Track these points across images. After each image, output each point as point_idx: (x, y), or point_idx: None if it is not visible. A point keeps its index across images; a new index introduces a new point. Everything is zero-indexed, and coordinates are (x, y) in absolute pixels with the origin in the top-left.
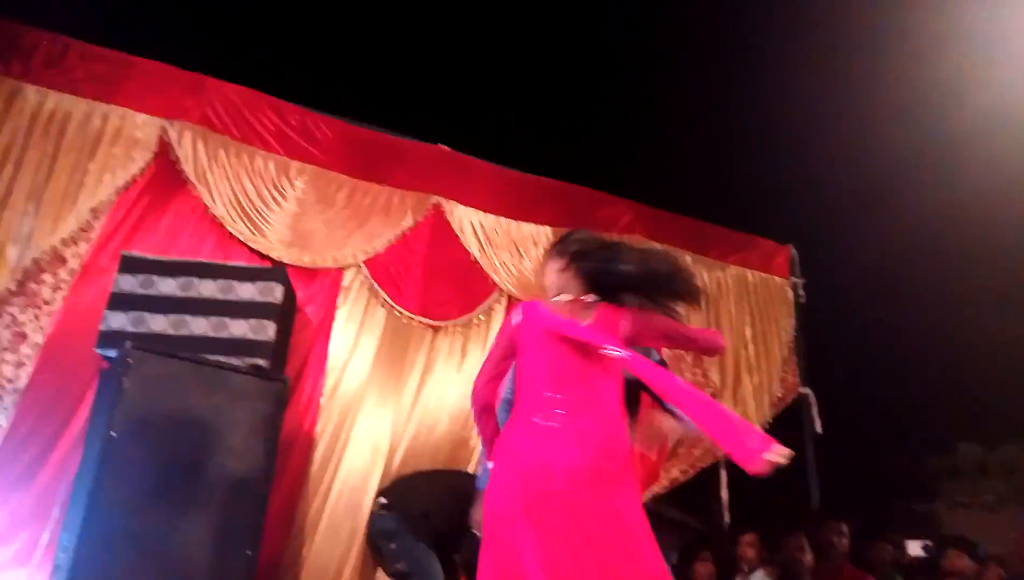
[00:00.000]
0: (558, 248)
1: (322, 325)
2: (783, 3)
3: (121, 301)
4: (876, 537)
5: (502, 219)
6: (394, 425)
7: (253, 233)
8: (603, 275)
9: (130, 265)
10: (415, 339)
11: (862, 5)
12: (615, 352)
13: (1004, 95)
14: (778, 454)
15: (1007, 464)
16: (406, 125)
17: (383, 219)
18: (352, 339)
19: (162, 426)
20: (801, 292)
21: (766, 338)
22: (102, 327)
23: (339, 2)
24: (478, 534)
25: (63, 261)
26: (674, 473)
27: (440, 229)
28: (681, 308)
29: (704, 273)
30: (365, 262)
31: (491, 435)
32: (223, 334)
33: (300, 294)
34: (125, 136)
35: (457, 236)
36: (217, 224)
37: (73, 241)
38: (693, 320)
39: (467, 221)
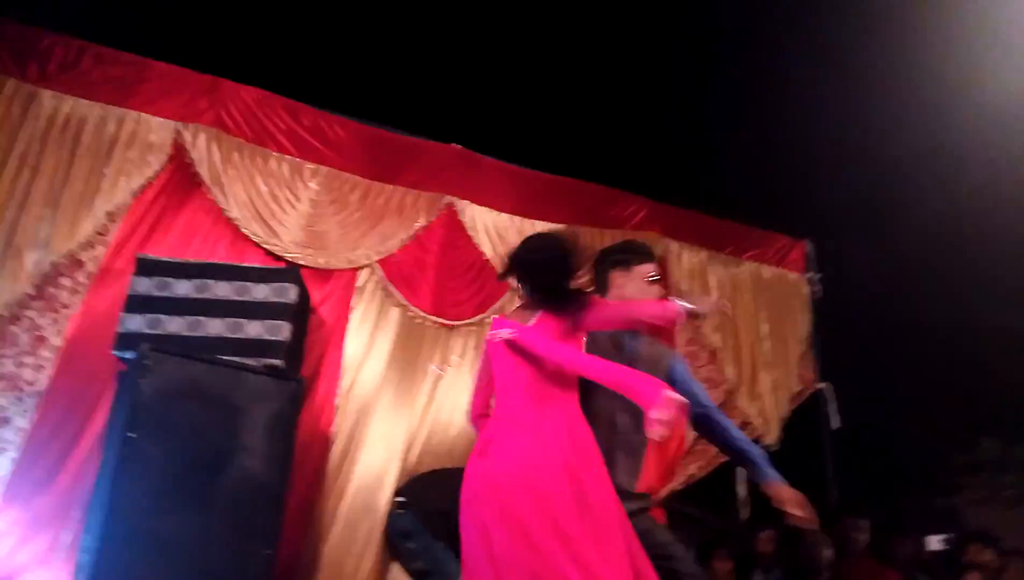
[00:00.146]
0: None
1: (337, 325)
2: None
3: (137, 303)
4: (896, 532)
5: (515, 218)
6: (409, 424)
7: (267, 235)
8: (523, 275)
9: (146, 267)
10: (429, 339)
11: None
12: (503, 334)
13: None
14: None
15: None
16: (419, 125)
17: (396, 219)
18: (367, 339)
19: (180, 427)
20: (818, 287)
21: (782, 334)
22: (119, 329)
23: (350, 1)
24: None
25: (80, 265)
26: (691, 469)
27: (453, 229)
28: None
29: (720, 269)
30: (379, 262)
31: None
32: (238, 335)
33: (315, 295)
34: (140, 140)
35: (470, 236)
36: (232, 226)
37: (90, 245)
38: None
39: (480, 220)
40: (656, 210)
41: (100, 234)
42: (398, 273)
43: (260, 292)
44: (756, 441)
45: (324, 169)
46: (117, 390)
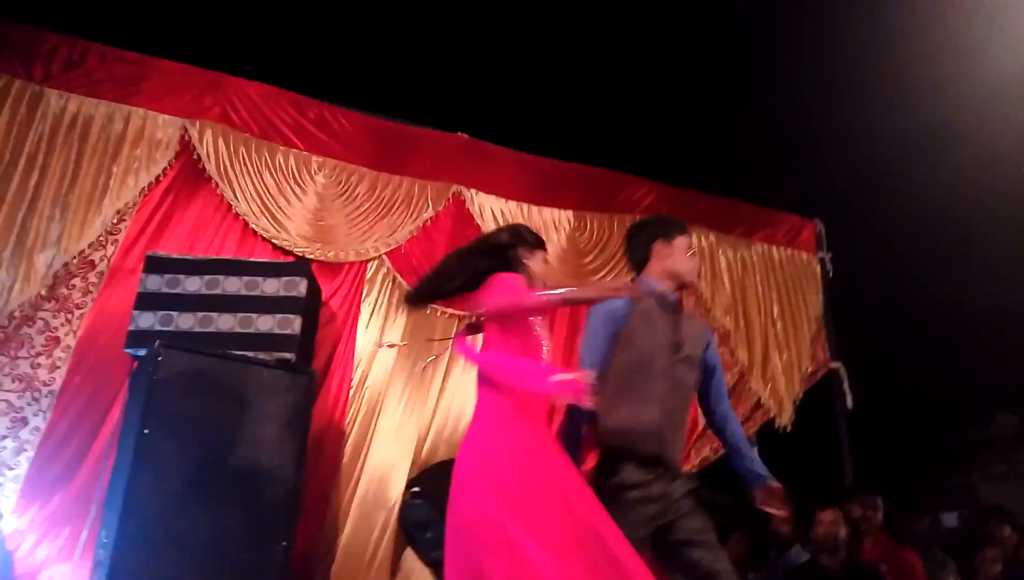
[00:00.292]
0: None
1: (348, 318)
2: None
3: (148, 301)
4: (912, 510)
5: (523, 205)
6: (421, 415)
7: (276, 229)
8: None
9: (156, 265)
10: (440, 329)
11: None
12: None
13: None
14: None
15: None
16: (424, 114)
17: (404, 211)
18: (378, 331)
19: (193, 422)
20: (829, 266)
21: (794, 314)
22: (131, 327)
23: None
24: None
25: (92, 265)
26: (705, 451)
27: (461, 218)
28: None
29: (729, 251)
30: (387, 254)
31: None
32: (250, 329)
33: (325, 288)
34: (147, 137)
35: (479, 225)
36: (240, 221)
37: (100, 244)
38: (718, 299)
39: (488, 208)
40: (664, 193)
41: (110, 233)
42: (407, 264)
43: (270, 287)
44: (770, 422)
45: (331, 161)
46: (131, 387)
